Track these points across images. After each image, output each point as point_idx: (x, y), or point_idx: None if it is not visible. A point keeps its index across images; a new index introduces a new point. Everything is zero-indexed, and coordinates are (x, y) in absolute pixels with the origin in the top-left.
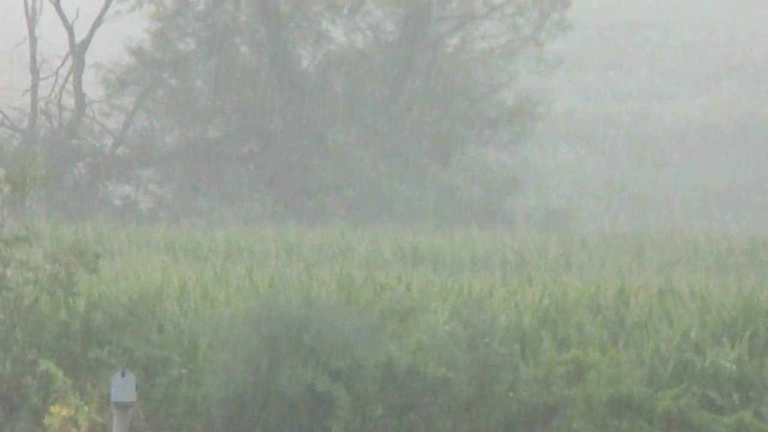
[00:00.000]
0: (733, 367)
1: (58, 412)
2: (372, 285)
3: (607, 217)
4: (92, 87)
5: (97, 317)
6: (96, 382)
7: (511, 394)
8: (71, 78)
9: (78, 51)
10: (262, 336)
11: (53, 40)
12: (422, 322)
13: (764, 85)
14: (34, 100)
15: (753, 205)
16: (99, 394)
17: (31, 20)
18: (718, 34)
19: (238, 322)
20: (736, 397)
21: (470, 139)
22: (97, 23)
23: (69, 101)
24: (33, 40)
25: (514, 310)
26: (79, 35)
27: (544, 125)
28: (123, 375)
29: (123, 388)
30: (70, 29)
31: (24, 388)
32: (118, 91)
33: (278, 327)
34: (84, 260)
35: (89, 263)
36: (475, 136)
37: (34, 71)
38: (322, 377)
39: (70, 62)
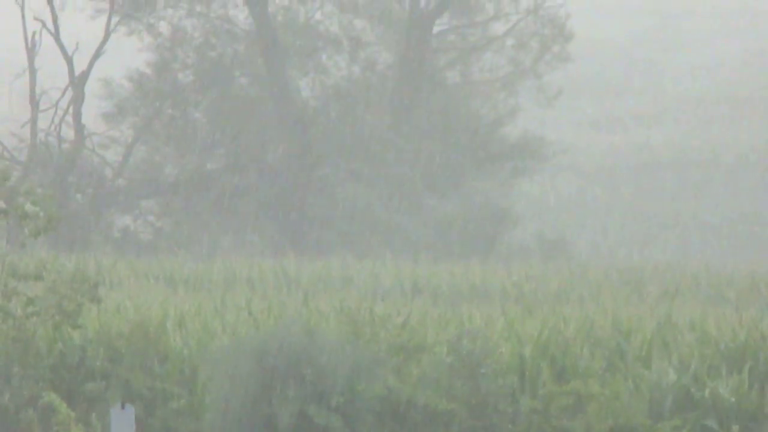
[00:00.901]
0: (733, 399)
1: None
2: (372, 318)
3: (606, 248)
4: (92, 119)
5: (94, 349)
6: (98, 414)
7: (510, 426)
8: (71, 110)
9: (77, 83)
10: (262, 368)
11: (53, 71)
12: (424, 356)
13: (764, 115)
14: (34, 132)
15: (753, 236)
16: (102, 426)
17: (31, 51)
18: (718, 62)
19: (237, 353)
20: (735, 428)
21: (470, 172)
22: (97, 55)
23: (68, 133)
24: (32, 71)
25: (513, 342)
26: (79, 67)
27: (545, 157)
28: (123, 407)
29: (122, 420)
30: (69, 61)
31: (24, 422)
32: (117, 119)
33: (278, 359)
34: (86, 289)
35: (91, 293)
36: (476, 170)
37: (34, 103)
38: (321, 410)
39: (69, 94)
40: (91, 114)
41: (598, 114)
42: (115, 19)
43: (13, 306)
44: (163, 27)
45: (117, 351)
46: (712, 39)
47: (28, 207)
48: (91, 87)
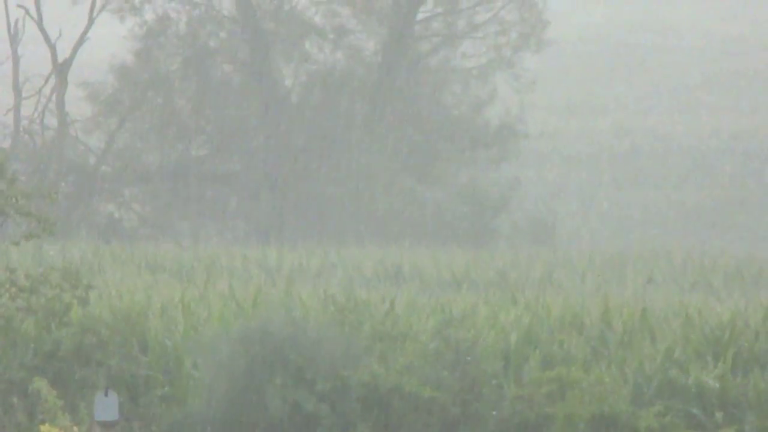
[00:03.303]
0: (717, 385)
1: (48, 431)
2: (356, 304)
3: (589, 235)
4: (75, 106)
5: (84, 337)
6: (85, 402)
7: (494, 413)
8: (54, 97)
9: (61, 70)
10: (249, 356)
11: (36, 59)
12: (408, 344)
13: (746, 101)
14: (17, 119)
15: (735, 222)
16: (89, 413)
17: (14, 39)
18: (699, 49)
19: (222, 341)
20: (719, 414)
21: (452, 158)
22: (80, 42)
23: (52, 120)
24: (15, 58)
25: (497, 329)
26: (62, 54)
27: (527, 143)
28: (106, 394)
29: (106, 407)
30: (52, 48)
31: (10, 407)
32: (102, 110)
33: (264, 347)
34: (77, 292)
35: (82, 296)
36: (457, 155)
37: (17, 90)
38: (309, 397)
39: (52, 81)
40: (75, 101)
41: (580, 99)
42: (98, 5)
43: (2, 296)
44: (148, 13)
45: (101, 338)
46: (696, 24)
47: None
48: (75, 74)
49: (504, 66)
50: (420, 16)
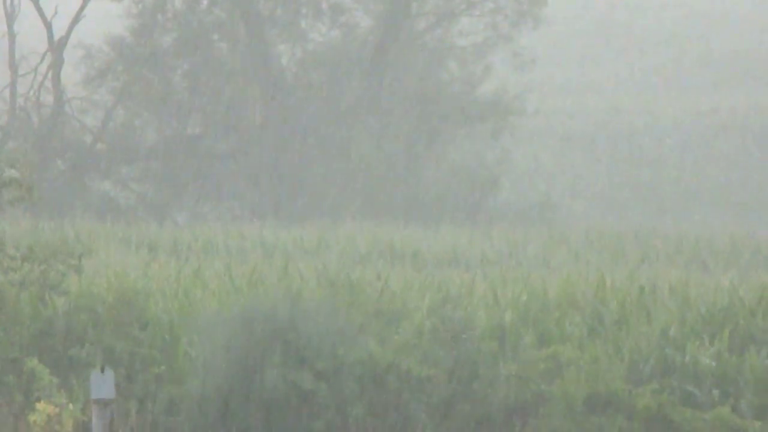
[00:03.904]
0: (713, 363)
1: (43, 409)
2: (351, 283)
3: (584, 214)
4: (71, 84)
5: (80, 315)
6: (79, 380)
7: (490, 391)
8: (50, 74)
9: (57, 47)
10: (246, 335)
11: (32, 36)
12: (404, 322)
13: (743, 79)
14: (13, 97)
15: (733, 202)
16: (84, 392)
17: (10, 16)
18: (697, 28)
19: (219, 320)
20: (715, 392)
21: (449, 135)
22: (76, 20)
23: (48, 98)
24: (11, 36)
25: (493, 307)
26: (58, 32)
27: (524, 121)
28: (102, 372)
29: (102, 384)
30: (48, 26)
31: (5, 386)
32: (97, 83)
33: (262, 326)
34: (70, 262)
35: (75, 264)
36: (454, 132)
37: (13, 67)
38: (307, 376)
39: (48, 59)
40: (71, 79)
41: (575, 78)
42: None
43: None
44: None
45: (98, 317)
46: (690, 3)
47: (9, 174)
48: (71, 52)
49: (501, 43)
50: None
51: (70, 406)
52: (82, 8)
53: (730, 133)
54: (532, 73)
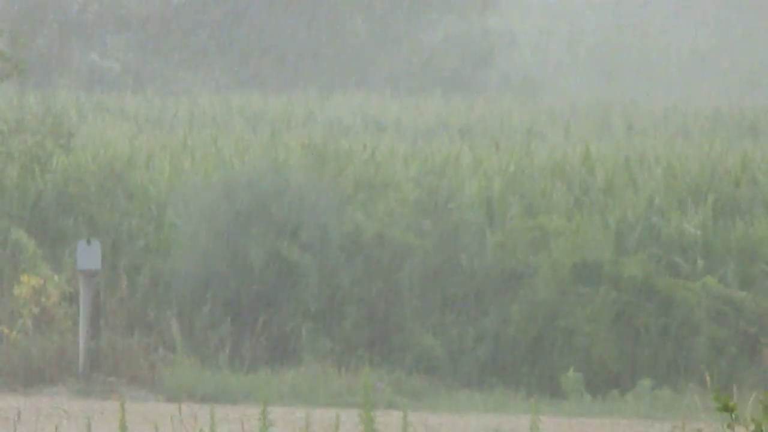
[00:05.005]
0: (698, 232)
1: (28, 281)
2: (336, 153)
3: (573, 85)
4: None
5: (68, 187)
6: (68, 252)
7: (476, 260)
8: None
9: None
10: (231, 205)
11: None
12: (390, 192)
13: None
14: None
15: (718, 69)
16: (70, 264)
17: None
18: None
19: (206, 191)
20: (701, 262)
21: (436, 6)
22: None
23: None
24: None
25: (481, 177)
26: None
27: None
28: (89, 242)
29: (88, 255)
30: None
31: None
32: None
33: (247, 197)
34: (59, 140)
35: (64, 143)
36: (446, 3)
37: None
38: (292, 247)
39: None
40: None
41: None
42: None
43: None
44: None
45: (86, 188)
46: None
47: None
48: None
49: None
50: None
51: (56, 277)
52: None
53: None
54: None
